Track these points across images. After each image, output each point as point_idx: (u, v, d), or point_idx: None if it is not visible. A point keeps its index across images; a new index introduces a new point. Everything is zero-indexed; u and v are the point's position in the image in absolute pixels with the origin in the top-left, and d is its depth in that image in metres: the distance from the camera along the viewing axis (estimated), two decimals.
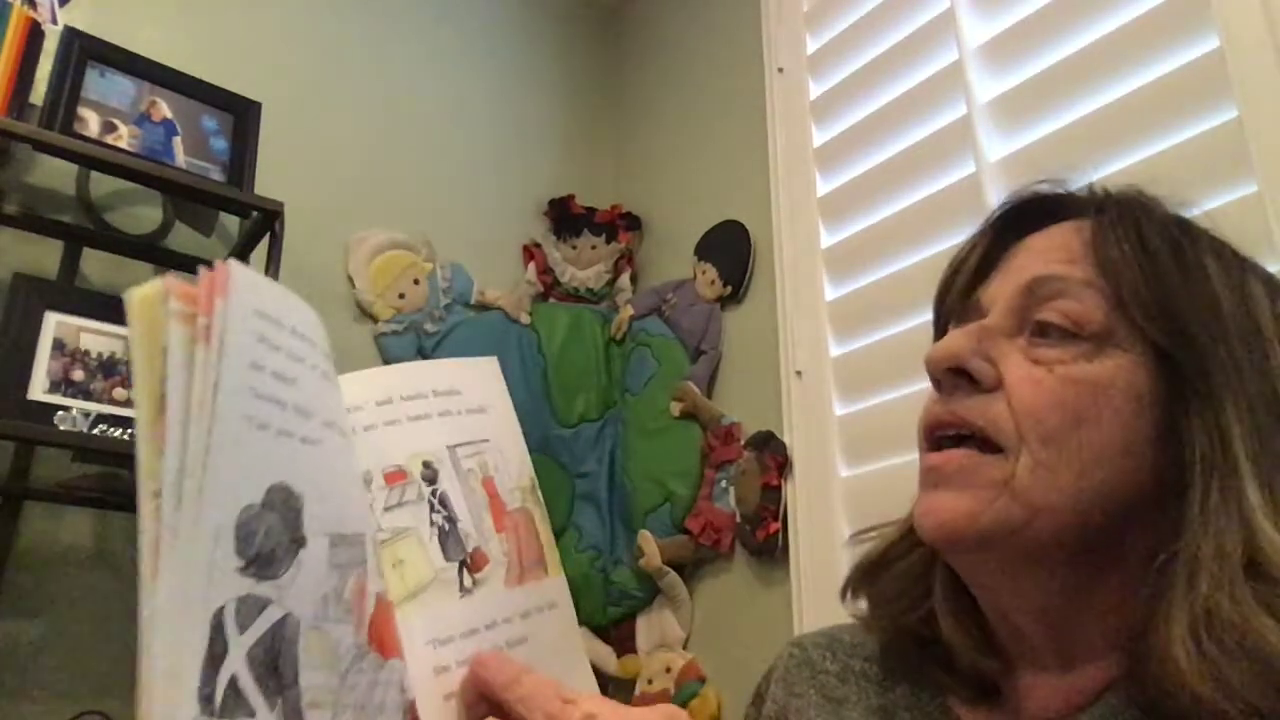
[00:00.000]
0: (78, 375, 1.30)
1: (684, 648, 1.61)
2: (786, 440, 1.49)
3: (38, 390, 1.26)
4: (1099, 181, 0.58)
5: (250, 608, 0.34)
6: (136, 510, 0.34)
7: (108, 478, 1.33)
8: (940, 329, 0.60)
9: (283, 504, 0.37)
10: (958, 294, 0.58)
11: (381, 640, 0.41)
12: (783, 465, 1.48)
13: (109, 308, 1.36)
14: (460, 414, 0.51)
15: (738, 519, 1.53)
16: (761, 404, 1.56)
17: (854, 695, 0.60)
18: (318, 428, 0.40)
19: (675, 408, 1.71)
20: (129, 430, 1.27)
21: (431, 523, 0.48)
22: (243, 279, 0.37)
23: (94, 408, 1.27)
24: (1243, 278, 0.51)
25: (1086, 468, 0.47)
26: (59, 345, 1.30)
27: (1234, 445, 0.46)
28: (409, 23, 1.98)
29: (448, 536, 0.48)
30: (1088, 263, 0.51)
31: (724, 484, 1.58)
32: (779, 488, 1.47)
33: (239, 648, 0.34)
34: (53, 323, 1.31)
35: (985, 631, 0.55)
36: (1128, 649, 0.47)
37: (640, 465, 1.77)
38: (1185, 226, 0.53)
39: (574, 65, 2.23)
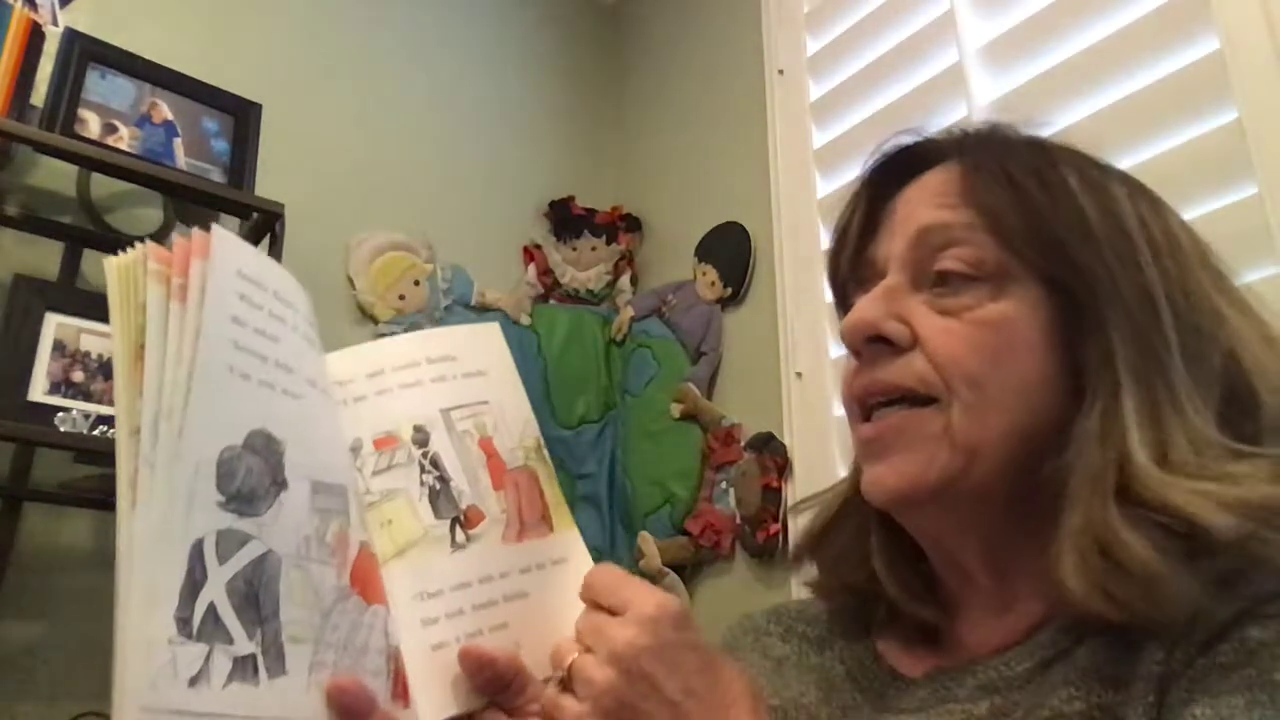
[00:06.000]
0: (78, 376, 1.30)
1: None
2: (787, 442, 1.49)
3: (38, 391, 1.26)
4: (958, 123, 0.59)
5: (230, 541, 0.36)
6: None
7: (108, 478, 1.33)
8: (840, 296, 0.61)
9: (264, 447, 0.38)
10: (849, 259, 0.59)
11: (365, 586, 0.43)
12: (783, 467, 1.48)
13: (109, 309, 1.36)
14: (456, 378, 0.52)
15: (738, 521, 1.53)
16: (762, 405, 1.56)
17: (793, 654, 0.62)
18: (300, 383, 0.42)
19: (675, 409, 1.71)
20: None
21: (422, 483, 0.49)
22: (225, 242, 0.40)
23: (94, 409, 1.27)
24: (1104, 185, 0.53)
25: (1011, 404, 0.49)
26: (59, 346, 1.30)
27: (1117, 367, 0.47)
28: (409, 24, 1.98)
29: (439, 495, 0.49)
30: (966, 207, 0.52)
31: (724, 485, 1.58)
32: (779, 489, 1.47)
33: (219, 577, 0.35)
34: (53, 324, 1.31)
35: (925, 582, 0.57)
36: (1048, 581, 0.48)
37: (640, 467, 1.77)
38: (1044, 149, 0.54)
39: (574, 66, 2.23)
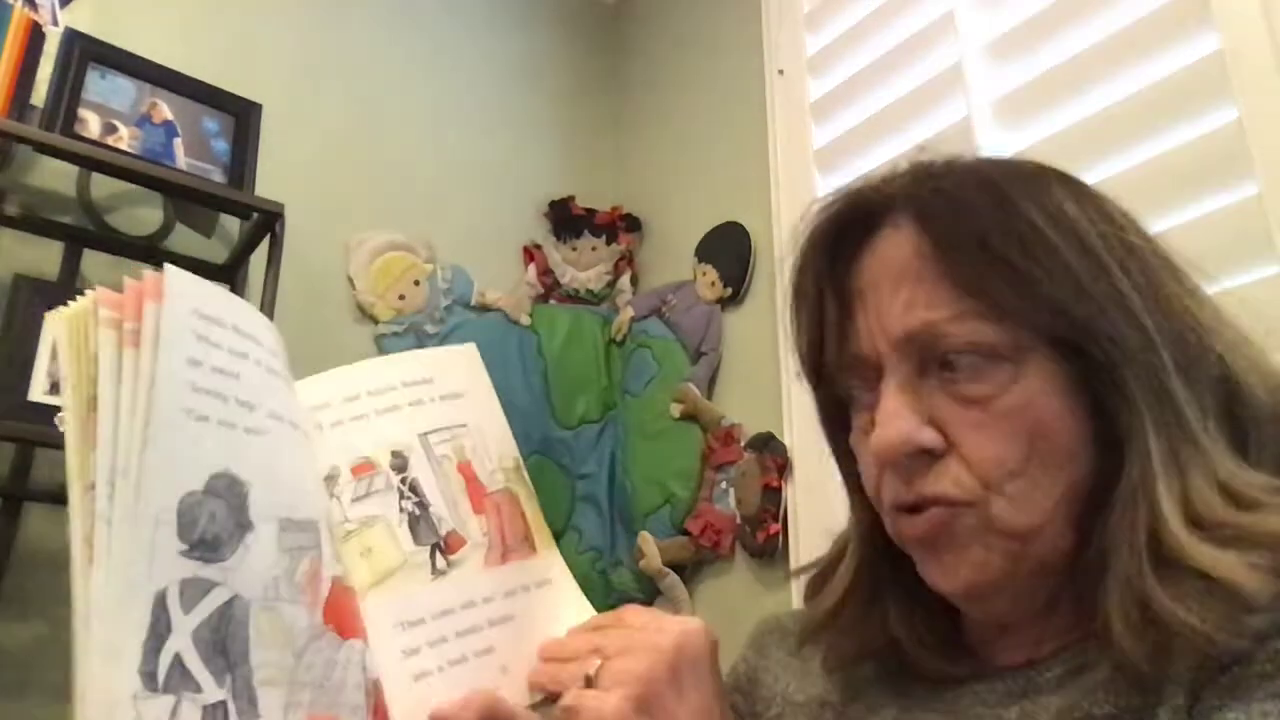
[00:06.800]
0: None
1: None
2: (787, 442, 1.49)
3: (38, 392, 1.25)
4: (878, 171, 0.56)
5: (195, 589, 0.36)
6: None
7: None
8: (823, 386, 0.58)
9: (227, 490, 0.38)
10: (834, 352, 0.55)
11: (340, 621, 0.42)
12: (783, 467, 1.48)
13: None
14: (433, 401, 0.52)
15: (738, 521, 1.53)
16: (762, 405, 1.56)
17: (819, 653, 0.62)
18: (263, 419, 0.41)
19: (675, 409, 1.71)
20: None
21: (401, 509, 0.48)
22: (179, 283, 0.39)
23: None
24: (1061, 207, 0.50)
25: (1052, 482, 0.48)
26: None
27: (1143, 413, 0.46)
28: (408, 24, 1.98)
29: (418, 522, 0.48)
30: (946, 292, 0.49)
31: (724, 486, 1.58)
32: (779, 489, 1.47)
33: (184, 627, 0.35)
34: None
35: (948, 637, 0.56)
36: (1088, 618, 0.48)
37: (640, 467, 1.77)
38: (993, 187, 0.51)
39: (574, 65, 2.22)
